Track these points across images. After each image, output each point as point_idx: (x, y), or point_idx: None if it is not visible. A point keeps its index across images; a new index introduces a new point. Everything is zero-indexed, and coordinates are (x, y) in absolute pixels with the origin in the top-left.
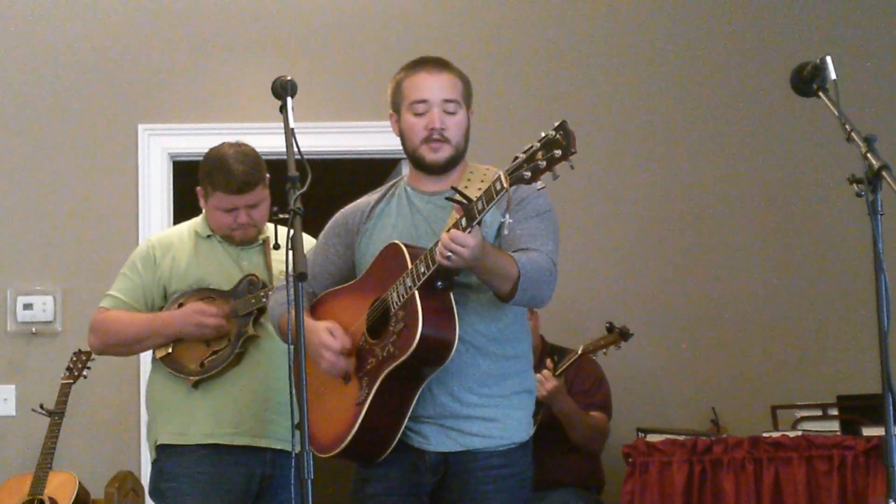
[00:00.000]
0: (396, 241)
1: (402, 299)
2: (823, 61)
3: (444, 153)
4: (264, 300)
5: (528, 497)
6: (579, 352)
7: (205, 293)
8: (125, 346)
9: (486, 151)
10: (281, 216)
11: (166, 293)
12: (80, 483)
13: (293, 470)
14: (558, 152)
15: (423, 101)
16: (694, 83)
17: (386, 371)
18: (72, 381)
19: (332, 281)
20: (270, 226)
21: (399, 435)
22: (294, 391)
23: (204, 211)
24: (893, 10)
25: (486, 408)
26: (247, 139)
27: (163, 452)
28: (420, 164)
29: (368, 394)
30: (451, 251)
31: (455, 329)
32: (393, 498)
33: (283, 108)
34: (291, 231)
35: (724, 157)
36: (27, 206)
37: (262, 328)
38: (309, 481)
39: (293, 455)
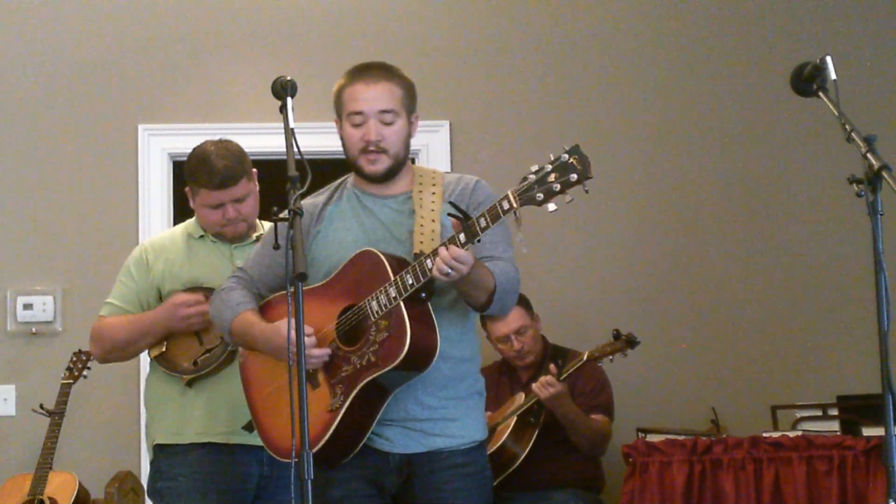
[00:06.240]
0: (373, 249)
1: (384, 309)
2: (823, 61)
3: (381, 164)
4: None
5: (490, 495)
6: (584, 358)
7: (195, 291)
8: (120, 350)
9: (478, 154)
10: (281, 216)
11: (161, 295)
12: (80, 483)
13: (293, 470)
14: (574, 177)
15: (359, 113)
16: (695, 85)
17: (367, 379)
18: (72, 381)
19: (279, 283)
20: (269, 225)
21: (365, 439)
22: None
23: (195, 211)
24: (893, 10)
25: (446, 409)
26: (247, 139)
27: (160, 452)
28: (360, 174)
29: (344, 401)
30: (452, 268)
31: (437, 338)
32: (354, 501)
33: (283, 108)
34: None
35: (724, 158)
36: (27, 207)
37: None
38: (309, 481)
39: (293, 456)
